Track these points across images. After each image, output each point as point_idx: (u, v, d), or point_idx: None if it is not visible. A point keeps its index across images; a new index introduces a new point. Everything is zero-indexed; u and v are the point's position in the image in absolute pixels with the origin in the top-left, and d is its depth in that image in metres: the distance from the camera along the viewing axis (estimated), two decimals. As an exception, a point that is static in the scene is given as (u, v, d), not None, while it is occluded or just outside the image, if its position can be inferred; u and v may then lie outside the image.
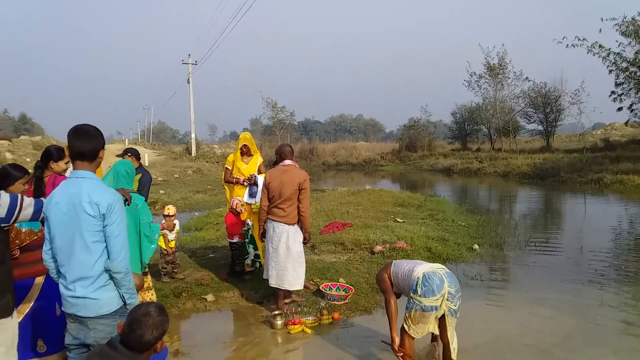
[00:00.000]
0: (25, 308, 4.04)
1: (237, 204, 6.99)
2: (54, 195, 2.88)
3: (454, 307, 4.00)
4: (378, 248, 8.31)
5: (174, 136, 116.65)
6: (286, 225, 5.67)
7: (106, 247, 2.81)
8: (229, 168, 7.25)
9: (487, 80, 37.16)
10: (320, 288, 6.33)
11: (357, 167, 40.56)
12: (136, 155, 6.49)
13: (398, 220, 11.32)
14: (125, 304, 2.90)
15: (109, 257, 2.81)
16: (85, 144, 2.85)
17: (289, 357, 4.81)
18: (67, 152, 2.91)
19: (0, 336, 3.10)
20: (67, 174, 5.02)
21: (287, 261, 5.68)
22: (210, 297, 6.28)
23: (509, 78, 36.17)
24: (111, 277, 2.84)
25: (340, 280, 6.77)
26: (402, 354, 4.18)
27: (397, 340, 4.24)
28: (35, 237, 3.93)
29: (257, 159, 7.27)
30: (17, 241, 3.83)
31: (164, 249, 7.01)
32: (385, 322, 4.44)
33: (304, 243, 5.81)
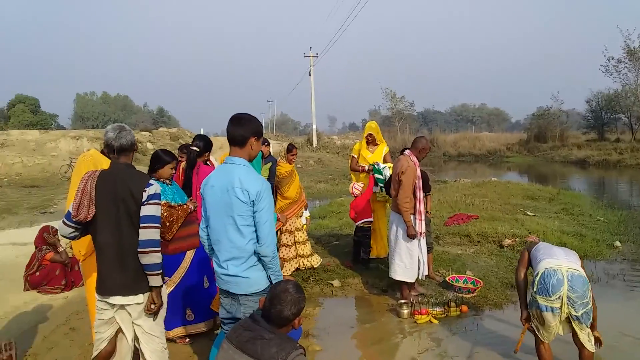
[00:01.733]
0: (177, 279, 4.42)
1: (356, 187, 7.08)
2: (210, 178, 3.11)
3: (577, 314, 3.59)
4: (507, 241, 7.96)
5: (296, 127, 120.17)
6: (397, 214, 5.66)
7: (255, 231, 2.97)
8: (355, 156, 7.32)
9: (626, 65, 33.90)
10: (447, 280, 6.20)
11: (480, 158, 39.05)
12: (269, 145, 6.82)
13: (528, 213, 10.74)
14: (271, 284, 3.05)
15: (257, 241, 2.98)
16: (236, 130, 3.03)
17: (416, 346, 4.76)
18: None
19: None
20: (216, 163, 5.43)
21: (395, 250, 5.68)
22: (336, 283, 6.42)
23: (652, 62, 32.68)
24: (259, 259, 3.01)
25: (468, 272, 6.58)
26: (527, 326, 3.98)
27: (524, 313, 4.02)
28: (190, 213, 4.25)
29: (383, 148, 7.27)
30: (172, 218, 4.15)
31: None
32: (517, 318, 4.23)
33: (409, 236, 5.53)
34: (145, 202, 3.11)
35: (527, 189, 14.81)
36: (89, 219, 3.14)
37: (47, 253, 6.55)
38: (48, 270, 6.48)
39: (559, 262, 3.74)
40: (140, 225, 3.11)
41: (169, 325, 4.39)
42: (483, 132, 57.39)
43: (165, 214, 4.15)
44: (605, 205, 12.66)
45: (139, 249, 3.11)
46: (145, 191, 3.12)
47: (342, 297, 6.17)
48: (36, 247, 6.67)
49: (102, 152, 4.06)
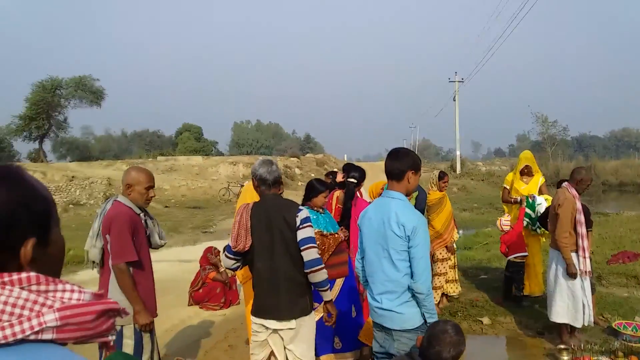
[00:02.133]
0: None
1: (505, 224, 6.80)
2: (367, 210, 3.21)
3: None
4: (686, 286, 7.05)
5: (438, 153, 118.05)
6: (556, 250, 5.30)
7: (410, 266, 2.98)
8: (507, 187, 7.03)
9: None
10: (613, 326, 5.63)
11: (646, 188, 35.04)
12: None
13: None
14: (425, 322, 3.03)
15: (412, 277, 2.97)
16: (394, 164, 3.08)
17: (578, 397, 4.39)
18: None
19: (302, 332, 3.58)
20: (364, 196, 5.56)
21: (555, 290, 5.29)
22: (486, 320, 6.15)
23: None
24: (413, 296, 3.00)
25: (637, 319, 5.92)
26: None
27: None
28: (340, 242, 4.40)
29: (538, 179, 6.90)
30: (323, 247, 4.32)
31: None
32: None
33: (569, 275, 5.15)
34: (300, 227, 3.29)
35: None
36: (247, 249, 3.39)
37: (210, 272, 7.15)
38: (210, 288, 7.05)
39: None
40: (302, 248, 3.29)
41: (319, 350, 4.52)
42: (650, 159, 51.49)
43: (317, 242, 4.33)
44: None
45: (306, 270, 3.29)
46: (297, 217, 3.31)
47: (492, 335, 5.88)
48: (200, 267, 7.31)
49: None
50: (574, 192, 5.29)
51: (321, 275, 3.33)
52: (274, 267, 3.37)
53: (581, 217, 5.23)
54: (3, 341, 0.82)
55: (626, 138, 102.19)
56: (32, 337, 0.84)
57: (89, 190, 24.13)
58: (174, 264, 9.92)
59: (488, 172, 39.86)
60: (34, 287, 0.86)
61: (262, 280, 3.43)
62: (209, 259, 7.28)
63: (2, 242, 0.88)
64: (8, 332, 0.82)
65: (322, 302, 4.44)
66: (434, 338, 2.65)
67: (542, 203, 6.52)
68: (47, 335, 0.85)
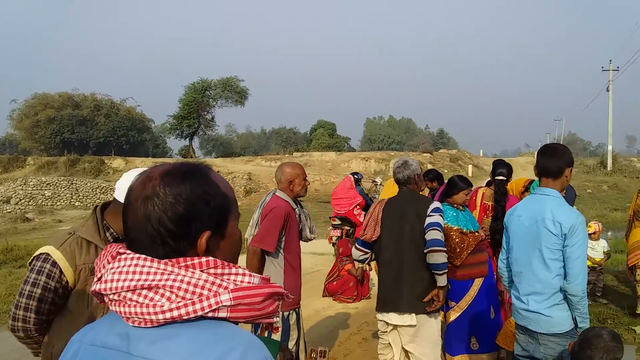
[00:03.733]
0: (464, 305, 4.46)
1: None
2: (516, 208, 3.09)
3: None
4: None
5: (585, 148, 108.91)
6: None
7: (563, 267, 2.81)
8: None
9: None
10: None
11: None
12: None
13: None
14: (576, 326, 2.85)
15: (565, 277, 2.80)
16: (551, 161, 2.93)
17: None
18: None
19: (423, 332, 3.57)
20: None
21: None
22: (639, 330, 5.61)
23: None
24: (565, 298, 2.83)
25: None
26: None
27: None
28: (481, 240, 4.29)
29: None
30: (462, 245, 4.23)
31: (589, 265, 6.64)
32: None
33: None
34: (430, 214, 3.51)
35: None
36: (374, 239, 3.62)
37: (346, 264, 7.30)
38: (344, 281, 7.22)
39: None
40: (426, 231, 3.45)
41: (453, 350, 4.43)
42: None
43: (456, 240, 4.25)
44: None
45: (426, 250, 3.44)
46: (429, 208, 3.54)
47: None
48: (338, 258, 7.51)
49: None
50: None
51: (439, 258, 3.40)
52: (400, 258, 3.56)
53: None
54: (186, 317, 0.93)
55: None
56: (210, 314, 0.94)
57: (231, 184, 25.73)
58: (308, 256, 10.24)
59: (643, 169, 36.00)
60: (211, 270, 0.97)
61: (388, 271, 3.63)
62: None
63: (183, 232, 0.98)
64: (190, 309, 0.93)
65: (459, 301, 4.39)
66: (586, 342, 2.49)
67: None
68: (222, 314, 0.95)
